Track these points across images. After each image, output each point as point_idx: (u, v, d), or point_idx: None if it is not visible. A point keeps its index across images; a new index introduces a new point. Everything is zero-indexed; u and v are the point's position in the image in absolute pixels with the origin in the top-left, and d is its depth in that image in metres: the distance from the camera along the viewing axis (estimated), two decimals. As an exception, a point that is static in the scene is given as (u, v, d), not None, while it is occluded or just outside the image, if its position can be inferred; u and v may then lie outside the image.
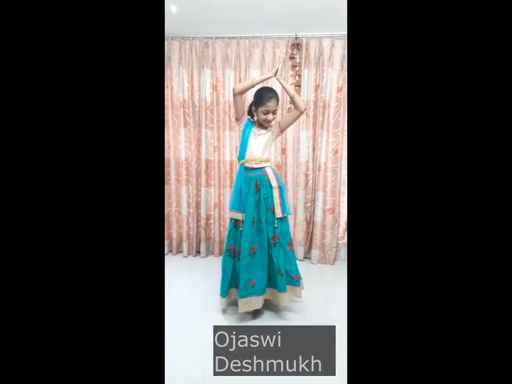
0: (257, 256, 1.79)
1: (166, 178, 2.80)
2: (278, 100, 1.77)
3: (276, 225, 1.81)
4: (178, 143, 2.74)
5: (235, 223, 1.85)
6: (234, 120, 1.93)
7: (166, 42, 2.59)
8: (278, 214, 1.80)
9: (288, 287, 1.86)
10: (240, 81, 2.55)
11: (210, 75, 2.61)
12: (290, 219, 2.77)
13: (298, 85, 2.56)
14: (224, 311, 1.94)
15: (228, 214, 1.93)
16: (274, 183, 1.80)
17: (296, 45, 2.50)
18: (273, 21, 2.31)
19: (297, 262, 2.74)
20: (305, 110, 1.78)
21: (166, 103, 2.67)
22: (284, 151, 2.70)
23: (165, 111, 2.68)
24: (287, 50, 2.54)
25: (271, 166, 1.85)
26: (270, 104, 1.73)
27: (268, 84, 2.37)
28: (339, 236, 2.76)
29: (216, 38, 2.55)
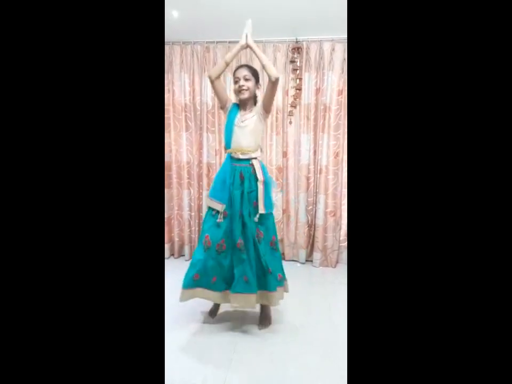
0: (246, 252, 1.70)
1: (167, 182, 2.81)
2: (249, 69, 1.70)
3: (256, 219, 1.71)
4: (180, 147, 2.75)
5: (211, 212, 1.75)
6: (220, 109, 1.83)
7: (167, 47, 2.61)
8: (261, 210, 1.70)
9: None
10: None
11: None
12: (292, 222, 2.77)
13: (299, 88, 2.57)
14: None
15: (207, 202, 1.80)
16: (260, 177, 1.70)
17: (297, 49, 2.52)
18: (273, 25, 2.32)
19: (299, 265, 2.78)
20: (276, 79, 1.59)
21: (167, 107, 2.69)
22: (285, 154, 2.71)
23: (167, 115, 2.70)
24: (287, 54, 2.56)
25: (258, 158, 1.75)
26: (238, 72, 1.68)
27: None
28: (341, 238, 2.76)
29: (217, 42, 2.57)
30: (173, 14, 2.17)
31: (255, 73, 1.70)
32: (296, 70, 2.56)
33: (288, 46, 2.54)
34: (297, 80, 2.57)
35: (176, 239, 2.85)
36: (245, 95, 1.68)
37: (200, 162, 2.77)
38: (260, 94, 1.81)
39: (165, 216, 2.83)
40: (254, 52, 1.64)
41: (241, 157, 1.70)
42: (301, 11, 2.09)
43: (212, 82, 1.66)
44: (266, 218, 1.76)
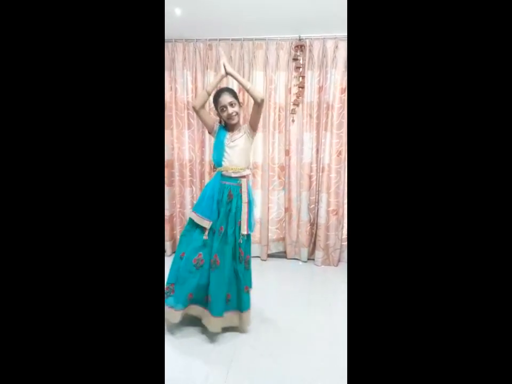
0: (218, 270, 1.70)
1: (170, 179, 2.82)
2: (231, 93, 1.71)
3: (240, 241, 1.74)
4: (182, 145, 2.75)
5: (202, 230, 1.74)
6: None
7: (170, 44, 2.60)
8: (244, 230, 1.73)
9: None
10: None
11: (214, 77, 2.62)
12: (294, 220, 2.77)
13: (301, 86, 2.56)
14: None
15: (194, 219, 1.76)
16: (245, 198, 1.73)
17: (300, 47, 2.50)
18: (276, 22, 2.31)
19: (301, 263, 2.78)
20: (261, 101, 1.64)
21: (170, 104, 2.69)
22: (287, 152, 2.70)
23: (169, 113, 2.69)
24: (290, 51, 2.54)
25: (247, 178, 1.78)
26: (222, 99, 1.68)
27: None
28: (343, 237, 2.75)
29: (219, 40, 2.56)
30: (175, 11, 2.16)
31: (236, 96, 1.75)
32: (299, 68, 2.55)
33: (291, 43, 2.53)
34: (300, 78, 2.56)
35: (178, 236, 2.85)
36: (235, 120, 1.73)
37: (202, 160, 2.77)
38: (241, 111, 1.85)
39: (167, 214, 2.84)
40: (236, 79, 1.68)
41: (233, 175, 1.73)
42: (304, 10, 2.07)
43: (197, 112, 1.71)
44: (245, 239, 1.78)
